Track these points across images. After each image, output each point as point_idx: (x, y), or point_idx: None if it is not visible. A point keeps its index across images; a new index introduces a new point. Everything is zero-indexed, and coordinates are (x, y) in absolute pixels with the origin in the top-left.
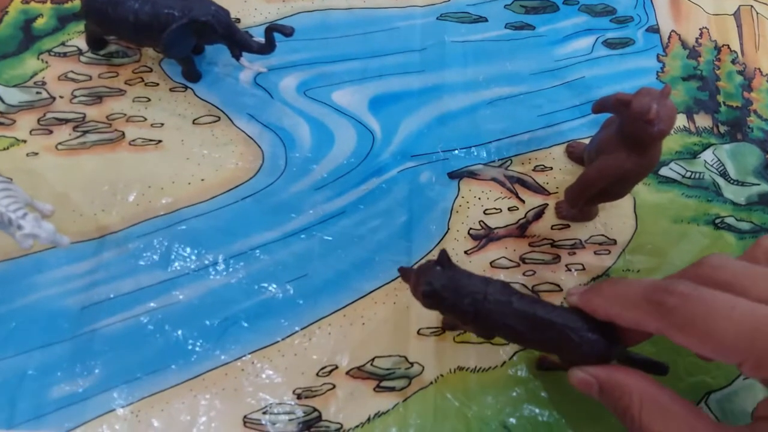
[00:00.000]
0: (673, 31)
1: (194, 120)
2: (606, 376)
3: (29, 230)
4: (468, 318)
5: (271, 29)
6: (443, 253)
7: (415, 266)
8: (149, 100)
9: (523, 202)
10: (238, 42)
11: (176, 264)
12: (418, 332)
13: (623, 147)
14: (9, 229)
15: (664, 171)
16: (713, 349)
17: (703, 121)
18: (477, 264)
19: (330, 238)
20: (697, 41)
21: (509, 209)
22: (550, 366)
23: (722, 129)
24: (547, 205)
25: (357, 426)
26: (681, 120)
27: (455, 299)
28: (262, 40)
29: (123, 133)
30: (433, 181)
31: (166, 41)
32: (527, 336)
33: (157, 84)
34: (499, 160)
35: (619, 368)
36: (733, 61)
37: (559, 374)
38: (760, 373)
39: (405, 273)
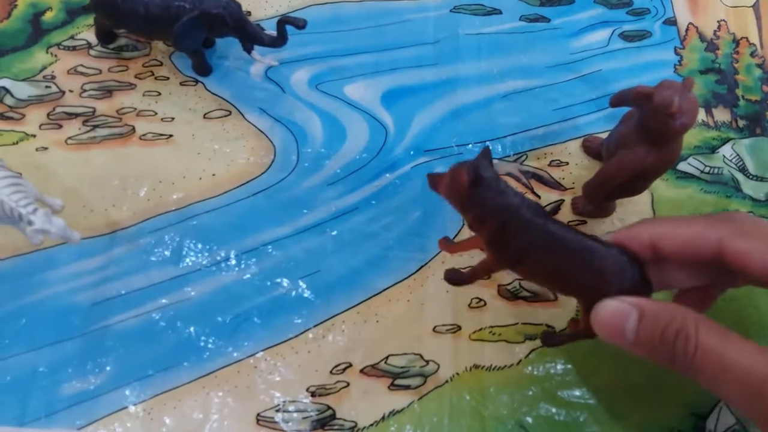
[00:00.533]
0: (690, 23)
1: (205, 114)
2: (651, 303)
3: (40, 226)
4: (498, 229)
5: (284, 22)
6: (487, 150)
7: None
8: (159, 94)
9: (539, 197)
10: (250, 35)
11: (188, 260)
12: (433, 329)
13: (644, 141)
14: (19, 225)
15: (682, 166)
16: None
17: (721, 115)
18: None
19: (343, 235)
20: (715, 34)
21: None
22: (558, 341)
23: (741, 123)
24: (563, 200)
25: (371, 424)
26: (699, 114)
27: (496, 199)
28: (273, 33)
29: (133, 128)
30: None
31: (177, 34)
32: (555, 264)
33: (168, 78)
34: (514, 154)
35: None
36: (752, 54)
37: (576, 373)
38: None
39: (434, 176)
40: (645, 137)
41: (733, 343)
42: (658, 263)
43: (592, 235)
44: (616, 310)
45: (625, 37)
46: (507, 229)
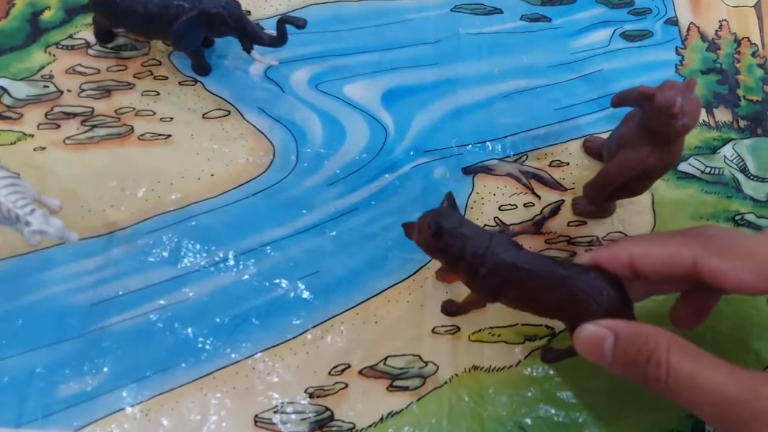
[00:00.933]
0: (692, 23)
1: (204, 114)
2: (625, 326)
3: (37, 226)
4: (469, 272)
5: (284, 21)
6: (450, 196)
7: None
8: (158, 93)
9: (539, 198)
10: (249, 34)
11: (186, 260)
12: (432, 330)
13: (645, 142)
14: (16, 226)
15: (683, 166)
16: (755, 269)
17: (722, 115)
18: None
19: (342, 236)
20: (716, 34)
21: (525, 205)
22: (556, 357)
23: (742, 123)
24: (564, 201)
25: (370, 426)
26: (701, 114)
27: (462, 246)
28: (273, 32)
29: (132, 128)
30: (447, 176)
31: (176, 33)
32: (531, 295)
33: (167, 77)
34: (514, 155)
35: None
36: (754, 54)
37: (575, 374)
38: None
39: (408, 226)
40: (646, 138)
41: (705, 365)
42: (638, 278)
43: (565, 261)
44: (593, 334)
45: (627, 36)
46: (477, 272)
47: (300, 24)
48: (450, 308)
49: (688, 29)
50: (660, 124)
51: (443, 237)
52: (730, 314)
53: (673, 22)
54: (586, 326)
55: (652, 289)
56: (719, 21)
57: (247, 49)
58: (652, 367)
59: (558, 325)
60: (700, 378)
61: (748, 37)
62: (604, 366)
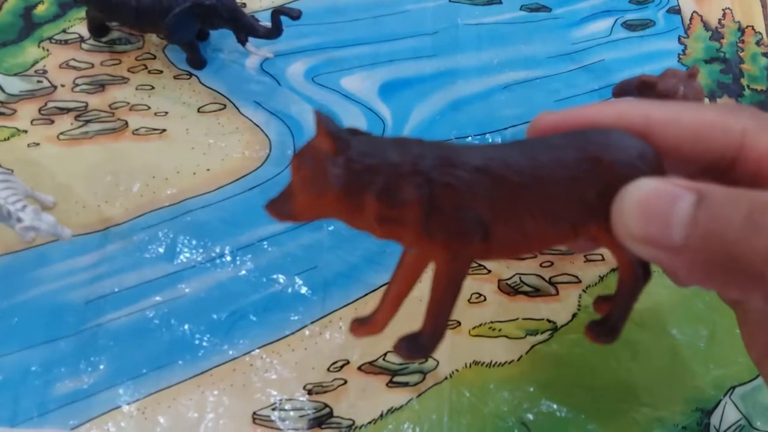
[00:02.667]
0: (694, 12)
1: (199, 108)
2: (711, 185)
3: (29, 222)
4: (424, 205)
5: (278, 13)
6: (318, 113)
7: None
8: (153, 88)
9: None
10: (244, 26)
11: (182, 256)
12: None
13: None
14: (9, 222)
15: None
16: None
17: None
18: None
19: (340, 230)
20: (719, 22)
21: None
22: (614, 322)
23: None
24: None
25: (369, 422)
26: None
27: (393, 160)
28: (268, 24)
29: (126, 123)
30: None
31: (170, 26)
32: (540, 200)
33: (161, 71)
34: None
35: None
36: (758, 43)
37: (578, 369)
38: None
39: (274, 201)
40: None
41: None
42: None
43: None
44: (656, 192)
45: (628, 26)
46: (433, 203)
47: (294, 15)
48: (416, 344)
49: (691, 18)
50: None
51: (351, 146)
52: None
53: (675, 11)
54: (643, 182)
55: None
56: (723, 9)
57: (242, 42)
58: None
59: (561, 319)
60: None
61: (752, 26)
62: (662, 256)
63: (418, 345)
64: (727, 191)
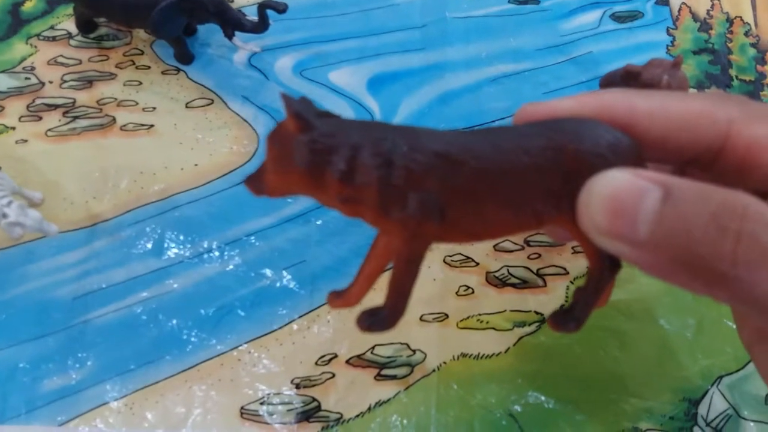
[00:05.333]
0: (683, 3)
1: (187, 103)
2: (679, 180)
3: (14, 218)
4: (381, 186)
5: (264, 6)
6: (306, 99)
7: None
8: (140, 83)
9: None
10: (230, 21)
11: (170, 252)
12: (420, 318)
13: None
14: None
15: None
16: None
17: None
18: (479, 247)
19: (328, 224)
20: (708, 13)
21: None
22: (577, 314)
23: None
24: None
25: (357, 416)
26: (688, 92)
27: (353, 143)
28: (255, 18)
29: (114, 118)
30: None
31: (155, 21)
32: (499, 187)
33: (149, 67)
34: None
35: None
36: (746, 34)
37: (565, 360)
38: None
39: (252, 177)
40: None
41: None
42: None
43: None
44: (623, 186)
45: (617, 18)
46: (390, 185)
47: (280, 8)
48: (376, 318)
49: (680, 9)
50: None
51: (315, 127)
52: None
53: (664, 2)
54: (610, 175)
55: None
56: (711, 1)
57: (229, 36)
58: (752, 225)
59: (548, 310)
60: None
61: (740, 17)
62: (628, 251)
63: (378, 319)
64: (695, 188)
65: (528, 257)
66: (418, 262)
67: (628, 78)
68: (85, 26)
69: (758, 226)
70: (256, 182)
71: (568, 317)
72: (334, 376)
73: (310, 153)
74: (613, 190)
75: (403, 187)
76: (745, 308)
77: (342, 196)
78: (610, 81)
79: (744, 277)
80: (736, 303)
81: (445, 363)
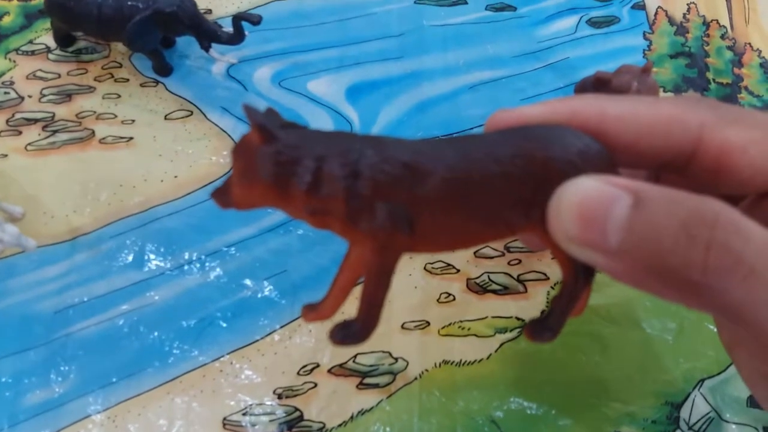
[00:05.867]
0: (659, 7)
1: (166, 115)
2: (649, 185)
3: None
4: (348, 198)
5: (239, 18)
6: (273, 110)
7: None
8: (119, 96)
9: None
10: (206, 33)
11: (150, 264)
12: (402, 326)
13: None
14: None
15: None
16: None
17: None
18: (460, 254)
19: (309, 233)
20: (684, 17)
21: None
22: (552, 325)
23: None
24: None
25: (340, 425)
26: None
27: (317, 155)
28: (231, 30)
29: (93, 132)
30: None
31: (130, 34)
32: (468, 197)
33: (128, 80)
34: None
35: None
36: (723, 37)
37: (547, 365)
38: None
39: (219, 190)
40: None
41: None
42: None
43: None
44: (592, 194)
45: (593, 23)
46: (357, 196)
47: (255, 20)
48: (348, 330)
49: (656, 13)
50: None
51: (279, 138)
52: None
53: (640, 6)
54: (579, 182)
55: None
56: (687, 4)
57: (205, 48)
58: (723, 234)
59: (530, 316)
60: None
61: (717, 20)
62: (599, 259)
63: (351, 332)
64: (666, 195)
65: (508, 263)
66: (389, 274)
67: (599, 85)
68: (63, 40)
69: (729, 234)
70: (222, 195)
71: (543, 327)
72: (316, 385)
73: (275, 165)
74: (582, 198)
75: (370, 198)
76: (717, 315)
77: (309, 208)
78: (583, 87)
79: (715, 285)
80: (708, 310)
81: (427, 370)
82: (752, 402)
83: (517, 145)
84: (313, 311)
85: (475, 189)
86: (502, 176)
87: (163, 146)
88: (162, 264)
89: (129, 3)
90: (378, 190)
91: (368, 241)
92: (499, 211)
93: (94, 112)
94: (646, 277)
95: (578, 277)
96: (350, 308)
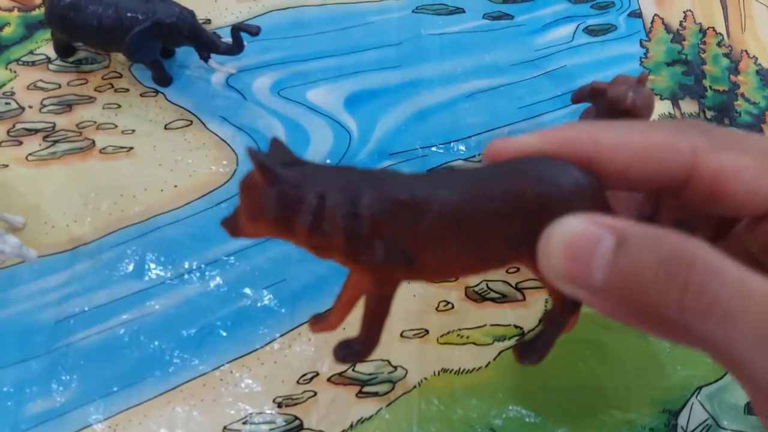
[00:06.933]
0: (656, 15)
1: (166, 125)
2: (631, 224)
3: None
4: (348, 236)
5: (237, 29)
6: (277, 141)
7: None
8: (119, 106)
9: None
10: (205, 43)
11: (151, 273)
12: (401, 335)
13: None
14: None
15: None
16: None
17: (689, 106)
18: None
19: None
20: (681, 24)
21: None
22: (539, 350)
23: (709, 114)
24: None
25: None
26: (666, 106)
27: (318, 192)
28: (230, 40)
29: (93, 142)
30: None
31: (130, 46)
32: (462, 236)
33: (128, 90)
34: (479, 155)
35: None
36: (719, 44)
37: (545, 373)
38: None
39: (229, 220)
40: None
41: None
42: None
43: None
44: (578, 234)
45: (590, 31)
46: (359, 235)
47: (253, 31)
48: (350, 349)
49: (653, 21)
50: (612, 118)
51: (281, 179)
52: None
53: (636, 14)
54: (566, 222)
55: None
56: (684, 12)
57: (205, 59)
58: (699, 276)
59: (527, 323)
60: None
61: (713, 27)
62: (583, 292)
63: (352, 351)
64: (648, 235)
65: (507, 271)
66: (388, 300)
67: (595, 95)
68: (64, 51)
69: (706, 275)
70: (231, 224)
71: (532, 350)
72: (315, 394)
73: (278, 205)
74: (569, 238)
75: (369, 236)
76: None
77: (310, 244)
78: (580, 96)
79: (692, 324)
80: (690, 347)
81: (426, 379)
82: (749, 409)
83: (508, 181)
84: (319, 323)
85: (468, 225)
86: (494, 212)
87: (163, 156)
88: (162, 273)
89: (129, 14)
90: (376, 228)
91: (368, 274)
92: (491, 245)
93: (95, 122)
94: (629, 314)
95: (566, 307)
96: (354, 317)
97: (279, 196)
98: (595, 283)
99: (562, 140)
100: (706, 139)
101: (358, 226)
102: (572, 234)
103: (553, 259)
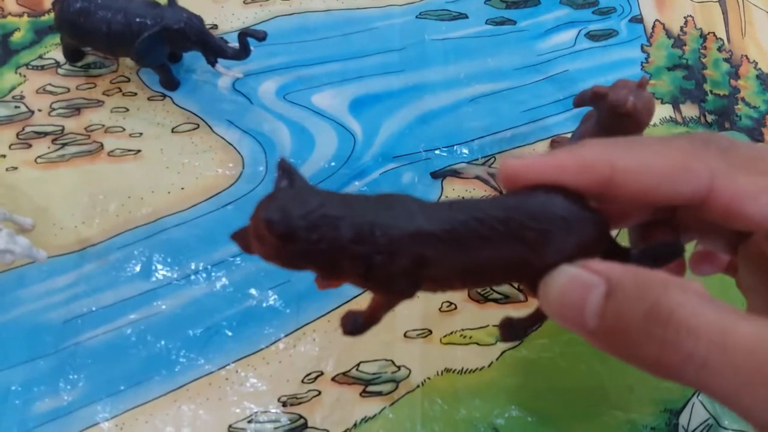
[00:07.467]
0: (657, 20)
1: (173, 128)
2: (623, 269)
3: (3, 246)
4: (362, 267)
5: (244, 34)
6: (284, 163)
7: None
8: (127, 110)
9: None
10: (212, 48)
11: (158, 274)
12: (404, 335)
13: None
14: None
15: None
16: None
17: (689, 110)
18: None
19: None
20: (682, 30)
21: None
22: (520, 330)
23: (710, 118)
24: None
25: None
26: (667, 110)
27: (333, 235)
28: (236, 45)
29: (101, 145)
30: (415, 181)
31: (139, 50)
32: (467, 262)
33: (135, 93)
34: (482, 158)
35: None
36: (720, 49)
37: (547, 373)
38: None
39: (240, 234)
40: (604, 136)
41: (726, 308)
42: (607, 201)
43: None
44: (572, 281)
45: (592, 36)
46: (372, 265)
47: (260, 36)
48: (353, 324)
49: (654, 26)
50: (613, 122)
51: (297, 237)
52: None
53: (638, 20)
54: (564, 269)
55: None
56: (684, 17)
57: (212, 63)
58: (674, 335)
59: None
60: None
61: (713, 32)
62: (582, 335)
63: (355, 325)
64: (636, 283)
65: None
66: (391, 307)
67: (596, 99)
68: (73, 55)
69: (680, 333)
70: (243, 241)
71: (514, 330)
72: (320, 393)
73: (293, 256)
74: (563, 286)
75: (381, 272)
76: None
77: (326, 281)
78: (582, 100)
79: (672, 374)
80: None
81: (429, 378)
82: None
83: (511, 225)
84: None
85: (472, 261)
86: (495, 250)
87: (170, 159)
88: (169, 274)
89: (137, 20)
90: (387, 264)
91: (379, 296)
92: (492, 278)
93: (103, 125)
94: (620, 356)
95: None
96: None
97: (293, 252)
98: (588, 327)
99: (578, 166)
100: (723, 160)
101: (372, 268)
102: (566, 282)
103: (551, 304)
